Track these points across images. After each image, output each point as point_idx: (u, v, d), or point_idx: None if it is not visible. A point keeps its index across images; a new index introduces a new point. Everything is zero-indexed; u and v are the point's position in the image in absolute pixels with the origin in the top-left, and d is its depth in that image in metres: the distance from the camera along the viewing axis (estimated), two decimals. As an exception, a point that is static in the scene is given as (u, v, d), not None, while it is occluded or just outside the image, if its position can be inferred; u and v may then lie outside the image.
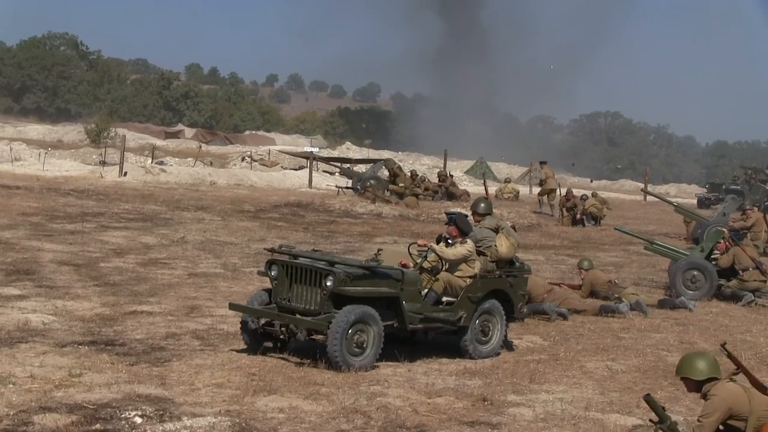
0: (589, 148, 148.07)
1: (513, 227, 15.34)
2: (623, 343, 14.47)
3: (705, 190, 55.33)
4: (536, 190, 54.24)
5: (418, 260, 13.18)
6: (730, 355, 8.25)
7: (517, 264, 13.97)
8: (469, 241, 13.19)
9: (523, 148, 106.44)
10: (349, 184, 40.40)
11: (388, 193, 36.93)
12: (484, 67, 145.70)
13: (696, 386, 8.21)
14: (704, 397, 8.15)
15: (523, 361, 12.92)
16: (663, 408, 8.12)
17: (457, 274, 13.00)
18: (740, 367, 8.23)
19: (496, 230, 13.93)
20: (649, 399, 7.99)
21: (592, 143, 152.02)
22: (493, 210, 15.71)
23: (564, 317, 16.28)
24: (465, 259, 13.04)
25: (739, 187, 47.04)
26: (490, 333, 13.19)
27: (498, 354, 13.21)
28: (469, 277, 13.03)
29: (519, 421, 10.10)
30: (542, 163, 41.01)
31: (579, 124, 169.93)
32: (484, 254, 13.65)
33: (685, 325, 16.24)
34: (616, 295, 17.98)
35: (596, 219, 35.52)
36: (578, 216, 35.00)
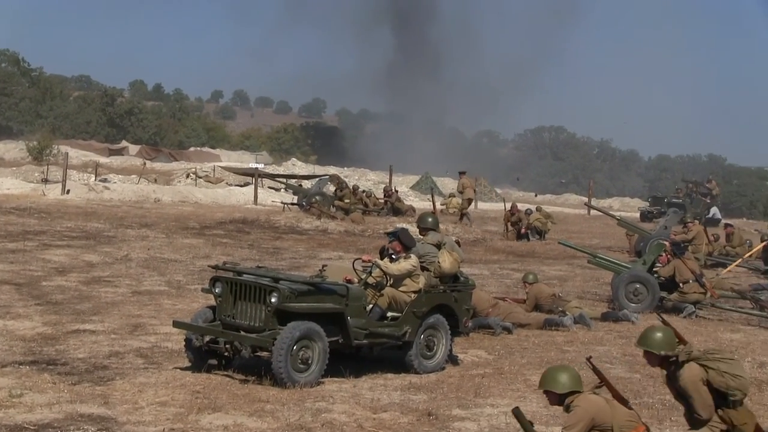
0: (534, 163, 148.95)
1: (457, 242, 15.43)
2: (567, 356, 14.55)
3: (647, 204, 55.87)
4: (481, 205, 54.58)
5: (363, 276, 13.21)
6: (594, 369, 8.37)
7: (462, 279, 14.03)
8: (413, 256, 13.24)
9: (469, 163, 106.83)
10: (295, 200, 40.33)
11: (333, 209, 36.91)
12: (431, 83, 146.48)
13: (558, 399, 8.30)
14: (567, 409, 8.24)
15: (468, 375, 12.96)
16: (531, 423, 8.17)
17: (401, 289, 13.04)
18: (603, 380, 8.35)
19: (439, 246, 13.99)
20: (517, 412, 8.06)
21: (537, 158, 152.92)
22: (439, 225, 15.76)
23: (509, 331, 16.36)
24: (409, 274, 13.08)
25: (680, 201, 47.55)
26: (435, 348, 13.23)
27: (443, 368, 13.24)
28: (414, 292, 13.07)
29: (464, 435, 10.15)
30: (461, 173, 41.21)
31: (523, 139, 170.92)
32: (427, 269, 13.70)
33: (628, 338, 16.35)
34: (560, 309, 18.09)
35: (540, 233, 35.71)
36: (523, 230, 35.20)
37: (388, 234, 14.07)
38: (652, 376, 13.47)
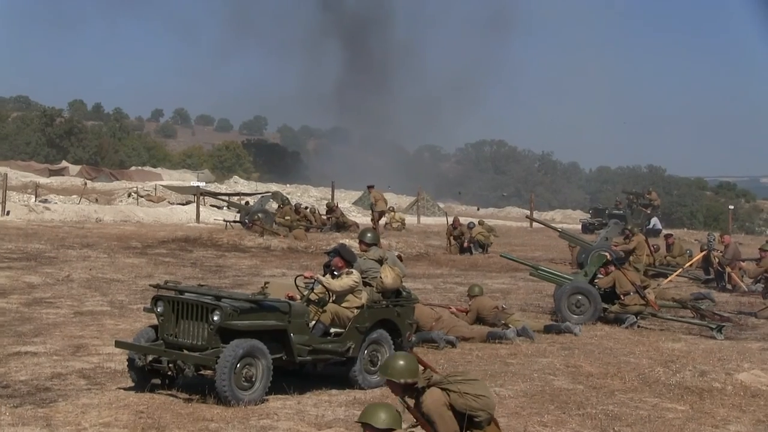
0: (476, 177, 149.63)
1: (400, 257, 15.46)
2: (510, 369, 14.63)
3: (589, 216, 56.30)
4: (424, 219, 54.73)
5: (305, 292, 13.21)
6: (409, 408, 8.39)
7: (404, 293, 14.07)
8: (354, 271, 13.27)
9: (411, 178, 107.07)
10: (237, 218, 40.18)
11: (276, 226, 36.83)
12: (374, 99, 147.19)
13: None
14: None
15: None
16: None
17: (344, 305, 13.07)
18: (418, 420, 8.36)
19: (381, 261, 14.03)
20: None
21: (479, 171, 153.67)
22: (381, 240, 15.80)
23: (452, 345, 16.41)
24: (351, 290, 13.11)
25: (621, 212, 47.96)
26: (379, 362, 13.25)
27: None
28: (357, 307, 13.10)
29: (409, 449, 10.16)
30: (369, 187, 41.43)
31: (465, 153, 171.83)
32: (369, 285, 13.73)
33: (571, 349, 16.50)
34: (503, 322, 18.18)
35: (483, 246, 35.88)
36: (465, 244, 35.35)
37: (328, 252, 14.07)
38: (595, 387, 13.62)
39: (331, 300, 13.09)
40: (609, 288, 20.21)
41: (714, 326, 19.15)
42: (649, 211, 48.91)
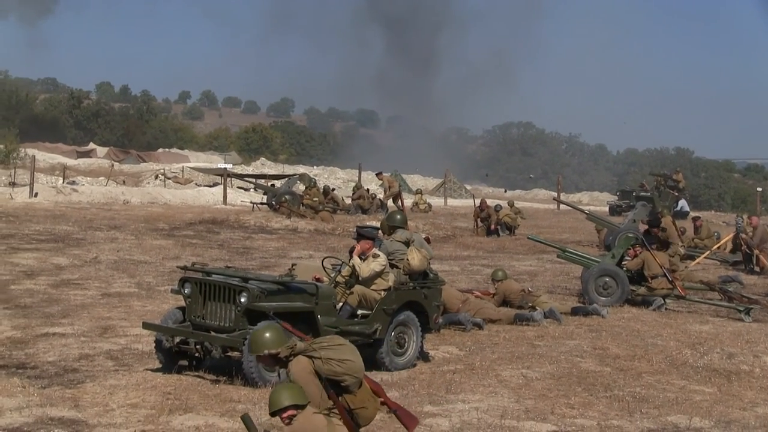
0: (503, 159, 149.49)
1: (427, 239, 15.42)
2: (538, 351, 14.60)
3: (616, 198, 56.08)
4: (451, 201, 54.66)
5: (333, 274, 13.21)
6: (330, 394, 8.26)
7: (431, 276, 14.05)
8: (381, 254, 13.26)
9: (438, 160, 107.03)
10: (264, 200, 40.25)
11: (303, 208, 36.88)
12: (406, 83, 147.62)
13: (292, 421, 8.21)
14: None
15: (440, 372, 12.98)
16: (257, 430, 8.17)
17: (372, 287, 13.06)
18: (336, 403, 8.24)
19: (408, 243, 14.01)
20: (245, 419, 8.02)
21: (506, 154, 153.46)
22: (408, 222, 15.77)
23: (479, 327, 16.39)
24: (379, 275, 13.09)
25: (648, 194, 47.73)
26: (406, 345, 13.26)
27: (414, 365, 13.25)
28: (384, 289, 13.09)
29: (436, 431, 10.16)
30: (378, 174, 41.52)
31: (492, 135, 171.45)
32: (396, 267, 13.72)
33: (598, 331, 16.45)
34: (530, 304, 18.15)
35: (510, 229, 35.83)
36: (492, 226, 35.29)
37: (358, 228, 14.07)
38: (623, 369, 13.58)
39: (359, 281, 13.09)
40: (637, 270, 20.13)
41: (742, 308, 19.05)
42: (676, 194, 48.66)
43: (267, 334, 8.47)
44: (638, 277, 20.12)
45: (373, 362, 12.97)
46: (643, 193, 48.24)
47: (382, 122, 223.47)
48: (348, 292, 13.00)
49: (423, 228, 33.31)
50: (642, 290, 19.95)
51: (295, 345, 8.37)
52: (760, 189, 65.22)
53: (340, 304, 12.88)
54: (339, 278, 13.13)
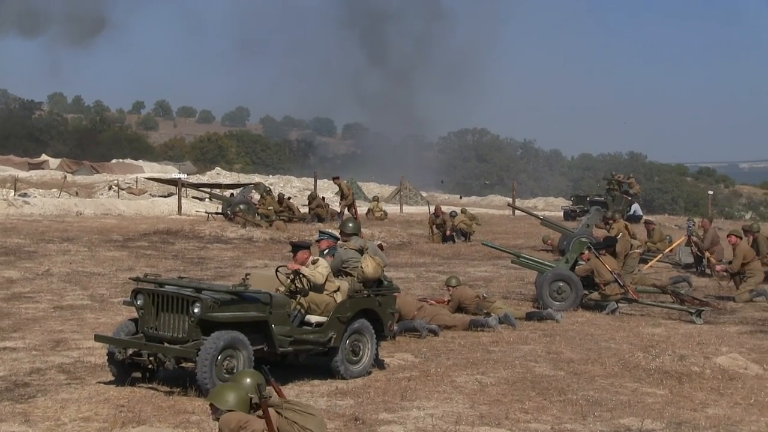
0: (459, 165, 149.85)
1: (381, 246, 15.46)
2: (492, 357, 14.67)
3: (570, 203, 56.42)
4: (407, 209, 54.73)
5: (287, 283, 13.20)
6: (261, 397, 8.36)
7: (386, 283, 14.08)
8: (320, 258, 13.28)
9: (394, 167, 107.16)
10: (219, 210, 40.13)
11: (258, 217, 36.80)
12: (356, 89, 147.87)
13: (218, 414, 8.32)
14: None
15: (395, 379, 13.01)
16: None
17: (323, 292, 13.08)
18: (264, 410, 8.31)
19: (362, 251, 14.05)
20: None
21: (462, 160, 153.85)
22: (362, 230, 15.83)
23: (435, 333, 16.44)
24: (325, 277, 13.09)
25: (602, 199, 48.10)
26: (361, 352, 13.26)
27: (369, 373, 13.27)
28: (333, 291, 13.08)
29: (390, 438, 10.20)
30: (335, 178, 41.64)
31: (448, 142, 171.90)
32: (351, 275, 13.75)
33: (552, 336, 16.55)
34: (485, 310, 18.22)
35: (466, 235, 35.93)
36: (448, 233, 35.36)
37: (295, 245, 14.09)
38: (576, 373, 13.68)
39: (310, 289, 13.07)
40: (585, 276, 20.25)
41: (693, 311, 19.23)
42: (629, 198, 49.06)
43: (250, 378, 8.51)
44: (592, 281, 20.25)
45: (328, 370, 12.98)
46: (597, 198, 48.59)
47: (339, 130, 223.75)
48: (301, 299, 13.00)
49: (379, 235, 33.33)
50: (595, 295, 20.10)
51: (270, 398, 8.40)
52: (711, 192, 65.89)
53: (295, 312, 12.86)
54: (292, 288, 13.11)
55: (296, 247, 13.59)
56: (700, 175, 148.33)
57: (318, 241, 13.97)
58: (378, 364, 13.67)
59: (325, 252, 13.79)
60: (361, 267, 13.79)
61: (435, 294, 20.63)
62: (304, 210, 42.43)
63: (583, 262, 20.59)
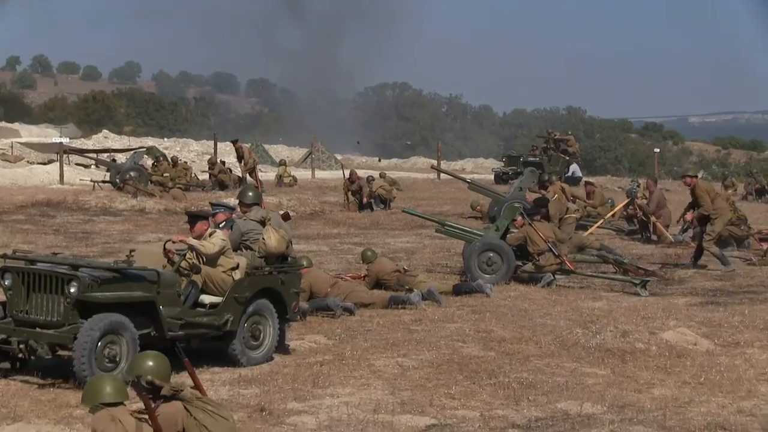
0: (377, 124, 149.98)
1: (286, 216, 15.33)
2: (415, 337, 14.66)
3: (502, 165, 56.69)
4: (319, 173, 54.63)
5: (176, 259, 12.95)
6: (146, 404, 8.31)
7: (290, 259, 13.93)
8: (217, 231, 13.11)
9: (304, 128, 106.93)
10: (107, 178, 39.70)
11: (151, 186, 36.46)
12: (261, 40, 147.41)
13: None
14: None
15: (306, 364, 12.94)
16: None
17: (218, 268, 12.87)
18: (148, 409, 8.28)
19: (263, 222, 13.86)
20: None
21: (381, 119, 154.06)
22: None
23: (350, 312, 16.39)
24: (222, 251, 12.89)
25: (537, 159, 48.35)
26: (262, 336, 13.09)
27: (272, 359, 13.12)
28: (231, 268, 12.90)
29: (301, 430, 10.16)
30: (234, 142, 41.53)
31: (365, 98, 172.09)
32: (251, 249, 13.58)
33: (482, 313, 16.58)
34: (407, 286, 18.19)
35: (385, 202, 35.94)
36: (365, 200, 35.30)
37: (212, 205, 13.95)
38: (508, 353, 13.72)
39: (203, 264, 12.89)
40: (518, 245, 20.30)
41: (637, 282, 19.37)
42: (567, 158, 49.37)
43: (154, 362, 8.27)
44: (525, 251, 20.30)
45: (225, 357, 12.79)
46: (531, 158, 48.86)
47: (242, 87, 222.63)
48: (193, 276, 12.78)
49: (288, 204, 33.18)
50: (529, 266, 20.14)
51: (183, 390, 8.22)
52: (657, 150, 66.65)
53: (188, 292, 12.66)
54: (183, 264, 12.88)
55: (194, 217, 13.39)
56: (645, 132, 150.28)
57: (212, 215, 13.74)
58: (282, 349, 13.53)
59: (221, 226, 13.60)
60: (263, 240, 13.63)
61: (350, 269, 20.58)
62: (204, 177, 42.13)
63: (515, 230, 20.63)
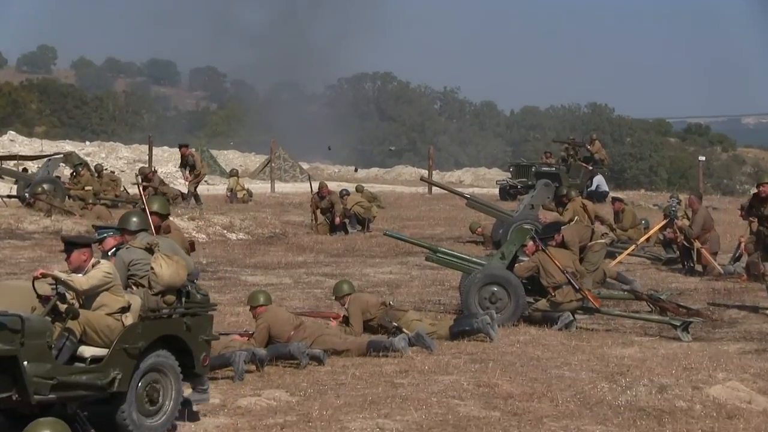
0: (354, 125, 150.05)
1: (191, 244, 15.15)
2: (400, 392, 14.68)
3: (509, 176, 56.80)
4: (280, 186, 54.69)
5: (53, 299, 12.39)
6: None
7: (199, 296, 13.49)
8: (103, 261, 12.78)
9: (262, 130, 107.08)
10: (14, 192, 39.68)
11: (69, 202, 36.45)
12: (209, 20, 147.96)
13: None
14: None
15: (262, 427, 12.97)
16: None
17: (102, 310, 12.44)
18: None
19: (151, 250, 13.43)
20: None
21: (358, 117, 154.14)
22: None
23: (319, 361, 16.41)
24: (105, 286, 12.53)
25: (553, 170, 48.44)
26: (161, 399, 12.61)
27: (174, 427, 12.69)
28: (120, 309, 12.47)
29: None
30: (183, 147, 41.65)
31: (338, 92, 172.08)
32: (142, 285, 13.21)
33: (484, 362, 16.60)
34: (395, 324, 18.16)
35: (363, 222, 35.98)
36: (338, 219, 35.34)
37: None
38: (516, 413, 13.77)
39: (80, 305, 12.35)
40: (528, 277, 20.32)
41: (678, 323, 19.42)
42: (591, 167, 49.51)
43: (49, 430, 8.31)
44: (537, 285, 20.33)
45: (113, 425, 12.25)
46: (545, 168, 48.97)
47: (184, 77, 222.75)
48: (68, 322, 12.08)
49: (241, 224, 33.23)
50: (542, 304, 20.15)
51: None
52: (702, 158, 66.62)
53: (63, 342, 12.10)
54: (60, 306, 12.39)
55: (70, 245, 12.87)
56: (688, 135, 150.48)
57: (99, 241, 13.45)
58: (189, 416, 13.08)
59: (109, 254, 13.38)
60: (152, 269, 13.19)
61: (320, 306, 20.60)
62: (134, 190, 42.13)
63: (525, 258, 20.66)
